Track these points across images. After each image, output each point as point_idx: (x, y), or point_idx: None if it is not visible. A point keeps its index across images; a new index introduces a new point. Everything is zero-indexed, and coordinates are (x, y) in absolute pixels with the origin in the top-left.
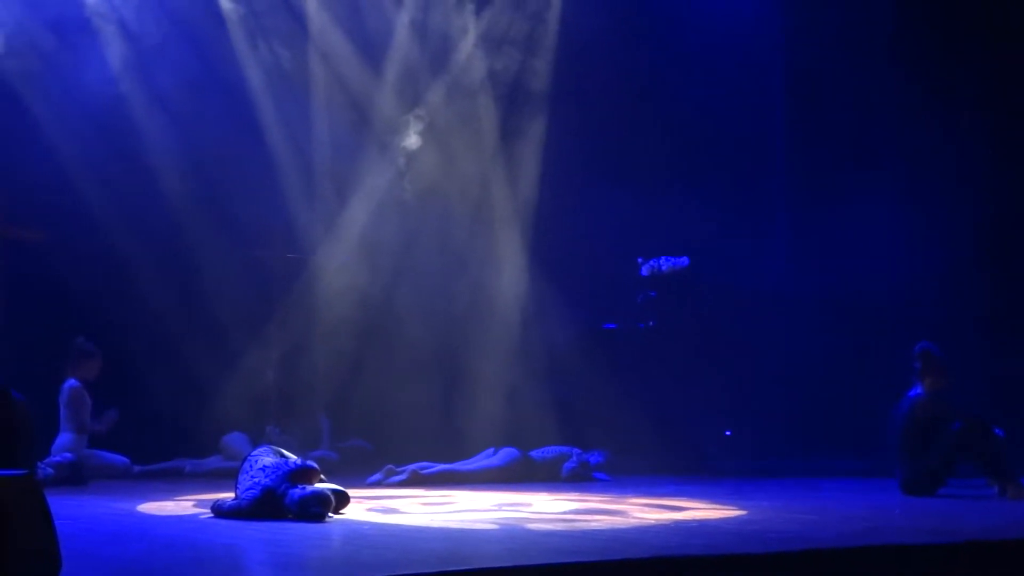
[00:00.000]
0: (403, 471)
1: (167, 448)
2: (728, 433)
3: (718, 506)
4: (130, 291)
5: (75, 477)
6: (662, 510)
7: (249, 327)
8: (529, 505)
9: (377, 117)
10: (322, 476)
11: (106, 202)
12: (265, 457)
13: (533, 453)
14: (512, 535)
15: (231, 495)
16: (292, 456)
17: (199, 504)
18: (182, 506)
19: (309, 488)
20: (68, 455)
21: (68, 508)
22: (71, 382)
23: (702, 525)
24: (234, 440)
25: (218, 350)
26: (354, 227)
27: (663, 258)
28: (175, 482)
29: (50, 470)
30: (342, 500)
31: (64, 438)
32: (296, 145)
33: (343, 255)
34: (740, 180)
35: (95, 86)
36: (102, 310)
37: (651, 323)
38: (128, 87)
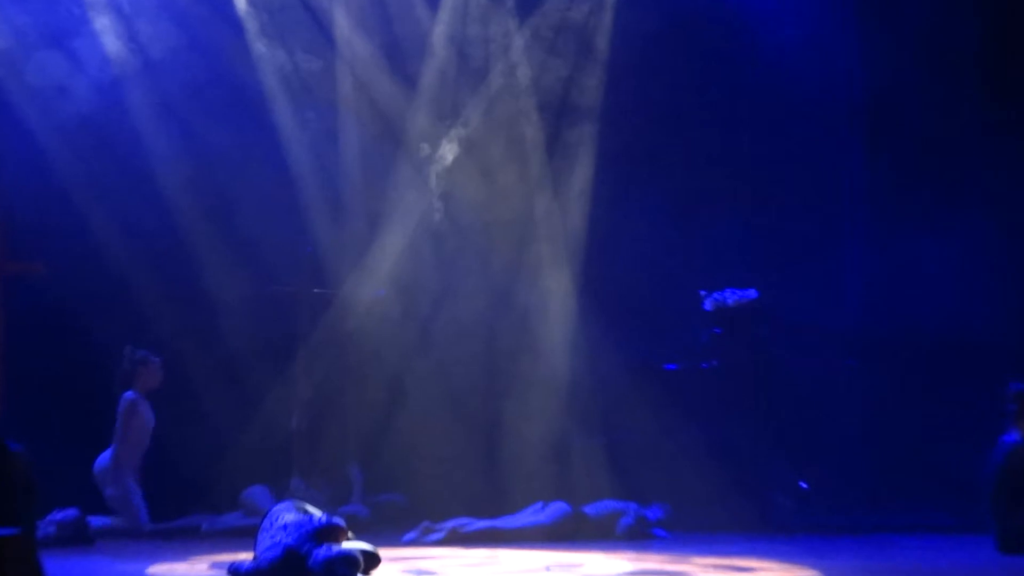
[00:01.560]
0: (441, 529)
1: (181, 503)
2: (804, 486)
3: (790, 566)
4: (137, 328)
5: (80, 536)
6: (728, 571)
7: (271, 369)
8: (581, 566)
9: (411, 135)
10: (350, 534)
11: (111, 233)
12: (287, 513)
13: (585, 508)
14: None
15: (250, 556)
16: (318, 512)
17: (215, 566)
18: (196, 568)
19: (336, 548)
20: (72, 511)
21: (71, 571)
22: (127, 393)
23: None
24: (255, 494)
25: (237, 395)
26: (386, 257)
27: (728, 290)
28: (189, 541)
29: (52, 528)
30: (372, 561)
31: (107, 455)
32: (321, 167)
33: (373, 288)
34: (812, 208)
35: (95, 101)
36: (106, 348)
37: (715, 363)
38: (133, 100)
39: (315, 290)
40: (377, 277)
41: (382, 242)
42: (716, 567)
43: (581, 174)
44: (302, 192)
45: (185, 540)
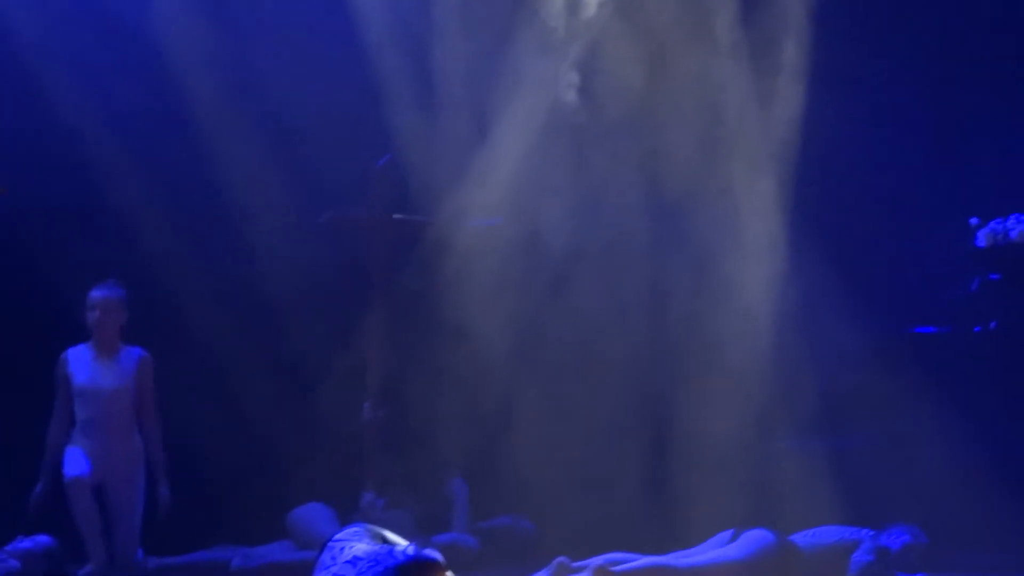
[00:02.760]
0: (584, 567)
1: (202, 530)
2: None
3: None
4: (139, 274)
5: (55, 572)
6: None
7: (330, 335)
8: None
9: None
10: (450, 574)
11: (82, 120)
12: (357, 543)
13: (796, 537)
14: None
15: None
16: (402, 542)
17: None
18: None
19: None
20: (44, 539)
21: None
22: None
23: None
24: (308, 516)
25: (280, 373)
26: (501, 169)
27: (1013, 218)
28: None
29: (14, 563)
30: None
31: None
32: (402, 27)
33: (483, 214)
34: None
35: None
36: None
37: (993, 324)
38: None
39: (395, 216)
40: (488, 197)
41: (495, 143)
42: None
43: (794, 42)
44: (373, 67)
45: None
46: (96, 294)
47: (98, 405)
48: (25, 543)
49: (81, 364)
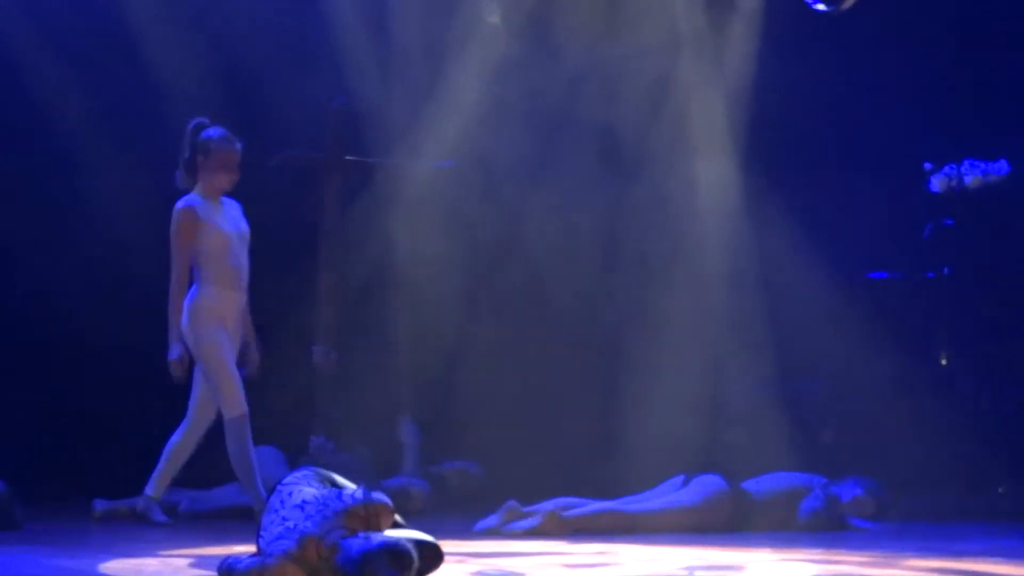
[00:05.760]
0: (534, 512)
1: (148, 472)
2: None
3: None
4: (83, 210)
5: (3, 518)
6: None
7: (280, 275)
8: (741, 569)
9: None
10: (399, 518)
11: (51, 75)
12: (306, 487)
13: (748, 484)
14: None
15: (251, 548)
16: (351, 485)
17: (199, 563)
18: (172, 565)
19: (377, 538)
20: None
21: None
22: (180, 201)
23: None
24: (258, 460)
25: None
26: (453, 111)
27: (965, 163)
28: (161, 526)
29: None
30: (431, 558)
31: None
32: None
33: (436, 157)
34: None
35: None
36: (30, 256)
37: (945, 270)
38: None
39: (347, 158)
40: (441, 139)
41: (448, 87)
42: (942, 572)
43: None
44: (328, 8)
45: (155, 524)
46: (231, 140)
47: (242, 252)
48: None
49: (210, 212)
